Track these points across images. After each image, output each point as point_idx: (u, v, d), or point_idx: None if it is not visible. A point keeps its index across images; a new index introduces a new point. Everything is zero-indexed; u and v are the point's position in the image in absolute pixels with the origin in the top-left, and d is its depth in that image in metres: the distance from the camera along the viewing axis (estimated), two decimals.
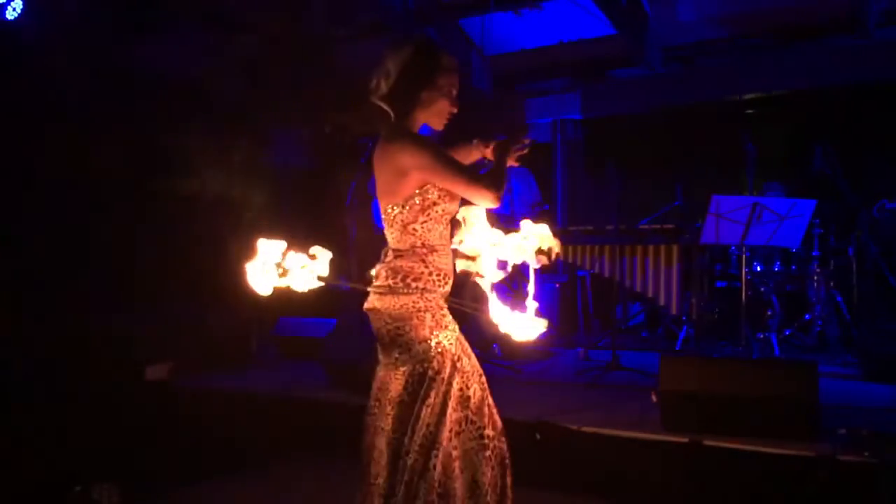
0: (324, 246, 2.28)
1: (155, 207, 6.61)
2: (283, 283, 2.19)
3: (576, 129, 8.63)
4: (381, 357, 2.35)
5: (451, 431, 2.22)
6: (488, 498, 2.24)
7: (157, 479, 3.80)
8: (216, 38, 6.81)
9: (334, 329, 5.39)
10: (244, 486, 3.94)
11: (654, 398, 3.72)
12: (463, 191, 2.25)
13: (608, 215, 5.33)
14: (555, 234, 2.30)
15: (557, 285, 6.88)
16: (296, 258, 2.21)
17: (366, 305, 2.35)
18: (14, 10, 5.40)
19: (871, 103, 6.86)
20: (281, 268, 2.19)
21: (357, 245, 6.82)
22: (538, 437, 3.72)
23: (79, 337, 5.29)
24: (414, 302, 2.26)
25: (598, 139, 8.56)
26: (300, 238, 2.31)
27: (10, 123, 5.62)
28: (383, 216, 2.34)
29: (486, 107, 8.08)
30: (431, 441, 2.19)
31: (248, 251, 2.18)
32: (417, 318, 2.26)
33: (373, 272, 2.37)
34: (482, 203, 2.25)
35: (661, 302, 5.27)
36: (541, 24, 7.51)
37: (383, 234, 2.38)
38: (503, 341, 5.79)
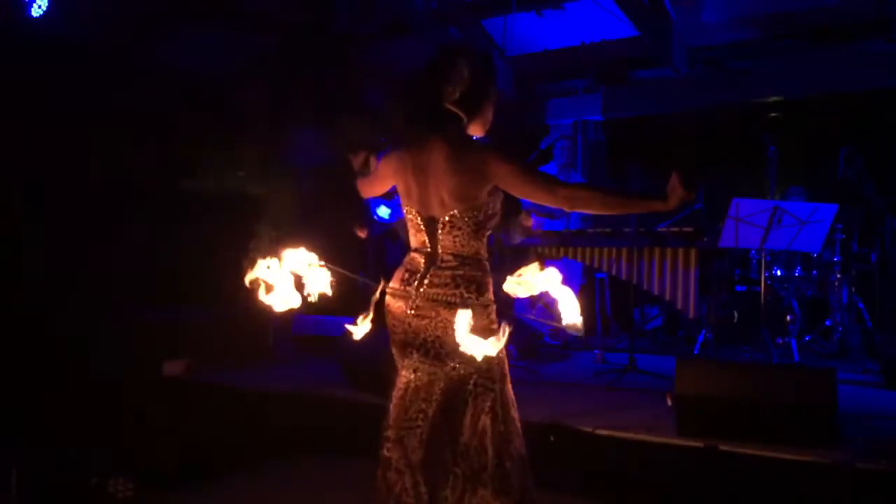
0: (342, 245, 2.30)
1: (174, 205, 6.67)
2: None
3: (597, 130, 8.59)
4: (424, 364, 2.30)
5: (512, 433, 2.32)
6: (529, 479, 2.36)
7: (172, 474, 3.83)
8: (239, 37, 6.86)
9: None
10: (259, 484, 3.96)
11: (668, 401, 3.69)
12: (543, 196, 2.27)
13: (629, 217, 5.30)
14: (573, 236, 2.34)
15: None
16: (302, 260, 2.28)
17: (415, 311, 2.29)
18: (39, 7, 5.46)
19: None
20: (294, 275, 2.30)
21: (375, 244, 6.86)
22: (552, 438, 3.71)
23: (98, 332, 5.34)
24: (488, 314, 2.30)
25: (619, 140, 8.53)
26: (317, 237, 2.33)
27: (33, 121, 5.68)
28: (444, 219, 2.29)
29: (508, 108, 8.07)
30: (503, 443, 2.28)
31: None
32: (490, 330, 2.27)
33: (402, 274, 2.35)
34: (555, 205, 2.30)
35: (679, 305, 5.22)
36: (563, 24, 7.49)
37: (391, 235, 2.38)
38: (519, 343, 5.78)
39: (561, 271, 2.19)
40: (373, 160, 2.74)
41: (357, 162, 2.74)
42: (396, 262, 2.46)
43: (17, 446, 3.67)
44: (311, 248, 2.36)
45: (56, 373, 4.85)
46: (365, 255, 6.78)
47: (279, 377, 5.26)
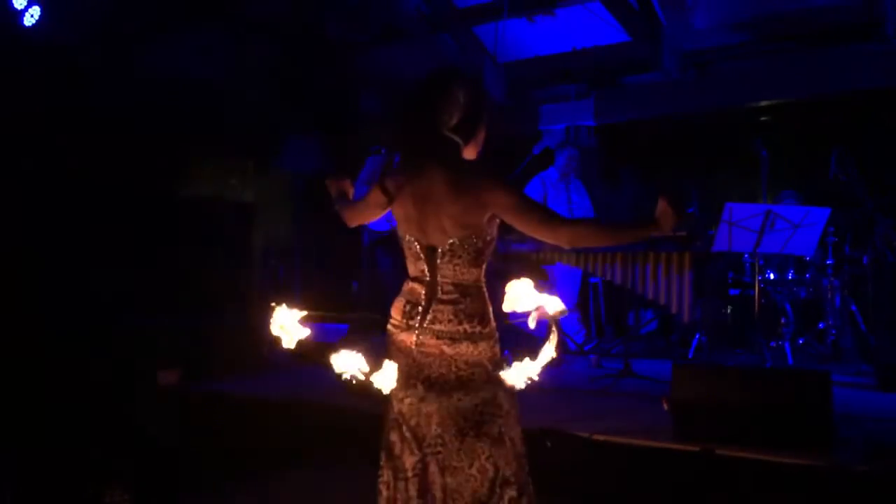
0: (336, 253, 2.30)
1: (169, 212, 6.66)
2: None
3: (590, 136, 8.61)
4: (430, 394, 2.28)
5: (522, 448, 2.34)
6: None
7: (168, 484, 3.81)
8: (233, 44, 6.87)
9: (346, 334, 5.40)
10: (255, 492, 3.95)
11: (664, 405, 3.70)
12: (543, 232, 2.25)
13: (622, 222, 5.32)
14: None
15: None
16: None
17: (419, 347, 2.28)
18: (32, 16, 5.45)
19: (889, 109, 6.79)
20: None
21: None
22: (548, 444, 3.70)
23: (93, 341, 5.33)
24: (491, 346, 2.29)
25: (612, 145, 8.54)
26: (311, 245, 2.33)
27: (26, 129, 5.68)
28: (444, 247, 2.26)
29: (500, 114, 8.09)
30: (520, 464, 2.30)
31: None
32: (494, 363, 2.28)
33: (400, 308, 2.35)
34: (556, 243, 2.29)
35: (674, 309, 5.24)
36: (554, 30, 7.52)
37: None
38: (515, 348, 5.77)
39: (556, 276, 2.20)
40: (349, 187, 2.70)
41: (334, 188, 2.66)
42: (389, 271, 2.45)
43: (13, 457, 3.65)
44: (305, 255, 2.36)
45: (51, 382, 4.83)
46: (358, 264, 6.78)
47: (273, 385, 5.24)
